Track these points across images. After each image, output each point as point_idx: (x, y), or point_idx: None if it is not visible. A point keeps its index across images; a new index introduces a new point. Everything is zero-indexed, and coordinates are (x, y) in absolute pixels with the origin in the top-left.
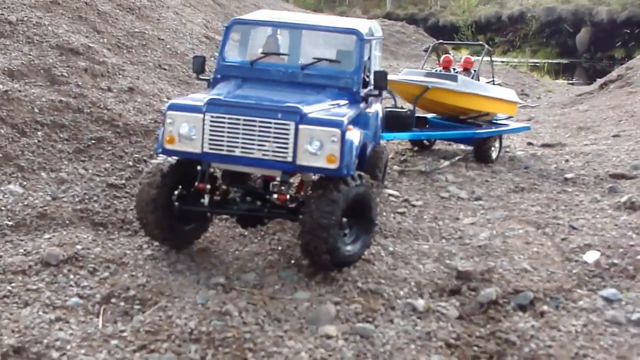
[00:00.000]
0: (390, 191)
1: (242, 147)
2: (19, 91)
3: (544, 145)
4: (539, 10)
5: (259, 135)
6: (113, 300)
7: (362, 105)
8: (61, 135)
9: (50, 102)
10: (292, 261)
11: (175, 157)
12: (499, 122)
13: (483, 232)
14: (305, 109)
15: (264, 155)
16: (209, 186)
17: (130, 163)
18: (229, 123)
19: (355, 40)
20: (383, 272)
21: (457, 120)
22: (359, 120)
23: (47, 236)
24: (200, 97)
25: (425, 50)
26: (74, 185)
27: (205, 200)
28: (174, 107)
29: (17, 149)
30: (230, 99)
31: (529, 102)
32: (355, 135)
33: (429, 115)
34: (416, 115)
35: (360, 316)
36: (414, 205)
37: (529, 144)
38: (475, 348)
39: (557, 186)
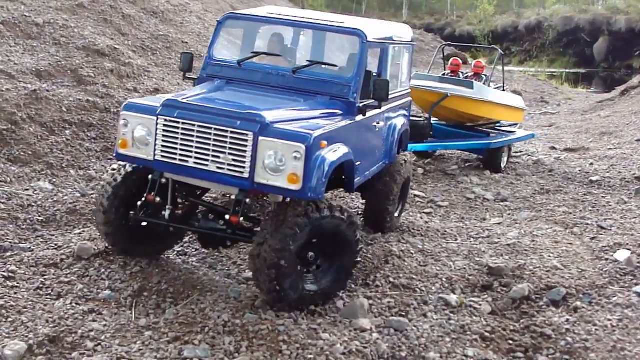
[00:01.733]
0: (416, 192)
1: (196, 158)
2: (47, 91)
3: (567, 150)
4: (556, 20)
5: (214, 145)
6: (145, 293)
7: (358, 117)
8: (89, 134)
9: (77, 102)
10: None
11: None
12: (504, 129)
13: (511, 232)
14: (270, 117)
15: (218, 168)
16: (159, 199)
17: None
18: (182, 128)
19: (358, 42)
20: (414, 268)
21: (463, 128)
22: (349, 136)
23: (77, 231)
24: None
25: (444, 58)
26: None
27: (166, 213)
28: (129, 108)
29: (46, 147)
30: (188, 101)
31: (549, 109)
32: (330, 153)
33: (433, 123)
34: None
35: (394, 310)
36: (440, 206)
37: (552, 148)
38: (510, 341)
39: (583, 188)
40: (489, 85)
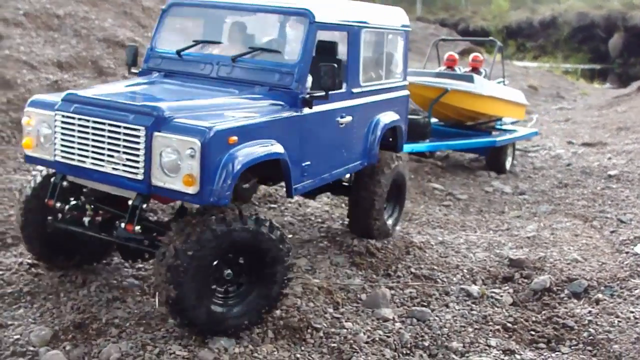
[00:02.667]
0: (435, 185)
1: (93, 157)
2: (69, 81)
3: (585, 144)
4: (571, 16)
5: (109, 143)
6: None
7: (305, 110)
8: None
9: None
10: (343, 248)
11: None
12: (507, 127)
13: (530, 225)
14: (170, 110)
15: (114, 169)
16: (59, 204)
17: None
18: (79, 125)
19: (304, 23)
20: (435, 259)
21: (462, 128)
22: (288, 132)
23: None
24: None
25: (461, 53)
26: None
27: (86, 220)
28: (33, 104)
29: None
30: (89, 94)
31: (565, 104)
32: (243, 150)
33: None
34: None
35: (416, 300)
36: (458, 199)
37: (570, 142)
38: (533, 332)
39: (601, 182)
40: (488, 80)
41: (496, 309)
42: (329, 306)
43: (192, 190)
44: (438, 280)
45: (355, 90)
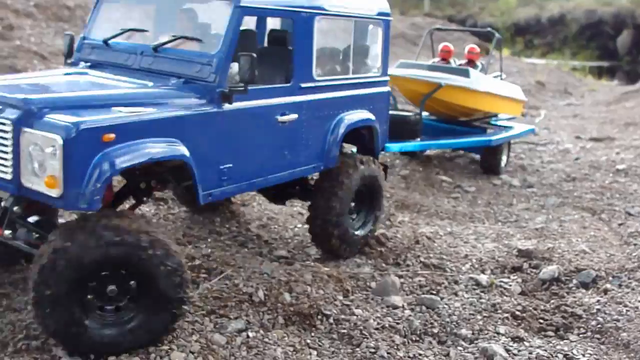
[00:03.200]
0: (443, 177)
1: None
2: None
3: (593, 139)
4: (579, 13)
5: None
6: None
7: (224, 106)
8: None
9: None
10: None
11: None
12: (502, 123)
13: (538, 217)
14: (43, 103)
15: None
16: None
17: None
18: None
19: (228, 8)
20: (444, 249)
21: (455, 123)
22: (198, 130)
23: None
24: None
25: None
26: None
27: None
28: None
29: None
30: None
31: (573, 100)
32: (123, 150)
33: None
34: None
35: (425, 289)
36: (466, 191)
37: (577, 137)
38: (541, 320)
39: (609, 176)
40: (485, 74)
41: (505, 297)
42: (338, 293)
43: (55, 193)
44: (447, 269)
45: (305, 84)
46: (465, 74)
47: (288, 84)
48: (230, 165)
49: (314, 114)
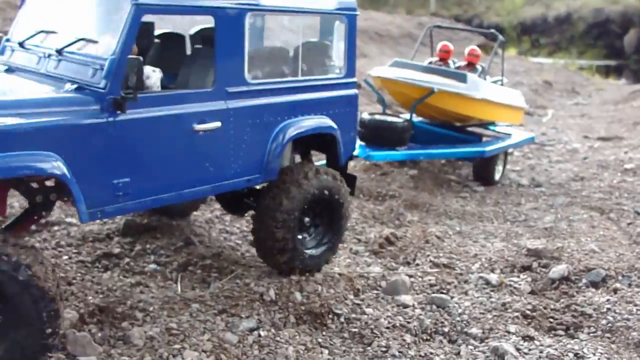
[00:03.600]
0: (451, 177)
1: None
2: None
3: (601, 139)
4: (586, 11)
5: None
6: (190, 267)
7: (119, 115)
8: None
9: None
10: (362, 237)
11: None
12: (501, 130)
13: (547, 216)
14: None
15: None
16: None
17: None
18: None
19: (125, 5)
20: (454, 248)
21: (450, 128)
22: (85, 143)
23: None
24: None
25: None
26: None
27: None
28: None
29: None
30: None
31: (580, 99)
32: None
33: (415, 119)
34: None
35: (435, 288)
36: (475, 191)
37: (585, 137)
38: (551, 319)
39: (618, 176)
40: (484, 78)
41: (515, 296)
42: (349, 293)
43: None
44: (457, 268)
45: (233, 89)
46: (462, 78)
47: (209, 89)
48: (127, 179)
49: (247, 122)
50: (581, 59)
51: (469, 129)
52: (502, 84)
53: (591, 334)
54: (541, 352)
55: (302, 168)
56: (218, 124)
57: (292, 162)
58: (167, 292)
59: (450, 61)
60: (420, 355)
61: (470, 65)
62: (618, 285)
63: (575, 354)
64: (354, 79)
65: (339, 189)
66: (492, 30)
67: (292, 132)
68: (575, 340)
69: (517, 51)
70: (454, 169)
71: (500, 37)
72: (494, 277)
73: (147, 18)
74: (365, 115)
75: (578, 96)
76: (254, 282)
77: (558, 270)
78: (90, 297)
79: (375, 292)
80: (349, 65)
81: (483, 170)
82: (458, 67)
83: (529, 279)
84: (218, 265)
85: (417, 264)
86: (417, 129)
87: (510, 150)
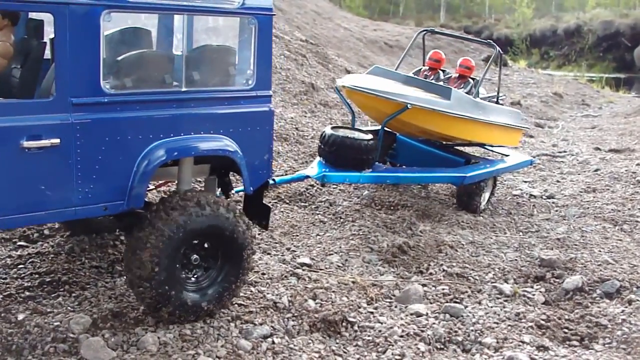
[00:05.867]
0: None
1: None
2: None
3: (612, 151)
4: (596, 24)
5: None
6: None
7: None
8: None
9: None
10: (375, 246)
11: None
12: (498, 152)
13: (560, 227)
14: None
15: None
16: None
17: None
18: None
19: None
20: (466, 258)
21: (435, 145)
22: None
23: None
24: None
25: (485, 60)
26: None
27: None
28: None
29: None
30: None
31: (590, 111)
32: None
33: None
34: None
35: (448, 297)
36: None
37: (597, 149)
38: (566, 330)
39: (630, 187)
40: (476, 94)
41: (529, 306)
42: (362, 301)
43: None
44: (470, 278)
45: (81, 100)
46: (446, 94)
47: (46, 99)
48: None
49: (102, 139)
50: (591, 72)
51: (460, 148)
52: (497, 101)
53: (606, 345)
54: None
55: (181, 197)
56: (56, 140)
57: (212, 187)
58: None
59: (440, 71)
60: None
61: (462, 78)
62: (633, 296)
63: None
64: (268, 92)
65: (236, 225)
66: (489, 41)
67: (163, 154)
68: (590, 351)
69: (526, 63)
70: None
71: (497, 49)
72: (507, 287)
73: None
74: (327, 130)
75: (588, 108)
76: (267, 290)
77: (572, 281)
78: (103, 302)
79: (388, 300)
80: (261, 75)
81: (466, 197)
82: (448, 79)
83: (543, 290)
84: None
85: (431, 273)
86: (399, 143)
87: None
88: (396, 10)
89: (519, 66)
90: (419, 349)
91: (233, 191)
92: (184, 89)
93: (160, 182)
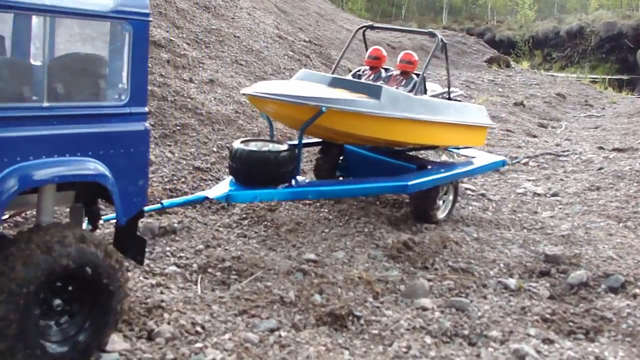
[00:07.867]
0: (467, 185)
1: None
2: None
3: (616, 150)
4: (599, 26)
5: None
6: (209, 270)
7: None
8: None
9: None
10: (380, 242)
11: None
12: (461, 154)
13: (564, 224)
14: None
15: None
16: None
17: (215, 149)
18: None
19: None
20: (472, 253)
21: (383, 152)
22: None
23: None
24: None
25: (487, 62)
26: (162, 167)
27: None
28: None
29: None
30: None
31: (593, 112)
32: None
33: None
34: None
35: (454, 292)
36: (490, 200)
37: (600, 148)
38: (571, 323)
39: (634, 186)
40: (423, 90)
41: (534, 301)
42: (368, 295)
43: None
44: (475, 273)
45: None
46: (375, 93)
47: None
48: None
49: None
50: (593, 74)
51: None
52: (449, 97)
53: (611, 338)
54: (562, 354)
55: (34, 233)
56: None
57: (78, 217)
58: (187, 293)
59: (382, 69)
60: (441, 356)
61: (405, 75)
62: (637, 290)
63: (597, 357)
64: (143, 109)
65: (103, 263)
66: (430, 30)
67: (15, 183)
68: (596, 343)
69: (529, 64)
70: (468, 178)
71: (440, 38)
72: (512, 282)
73: None
74: (236, 144)
75: (591, 109)
76: (274, 285)
77: (577, 276)
78: None
79: (394, 295)
80: (135, 90)
81: (418, 205)
82: (389, 77)
83: (548, 284)
84: (237, 268)
85: (436, 269)
86: (347, 154)
87: (469, 178)
88: (398, 13)
89: (521, 67)
90: (425, 342)
91: (101, 220)
92: (45, 104)
93: (15, 211)
